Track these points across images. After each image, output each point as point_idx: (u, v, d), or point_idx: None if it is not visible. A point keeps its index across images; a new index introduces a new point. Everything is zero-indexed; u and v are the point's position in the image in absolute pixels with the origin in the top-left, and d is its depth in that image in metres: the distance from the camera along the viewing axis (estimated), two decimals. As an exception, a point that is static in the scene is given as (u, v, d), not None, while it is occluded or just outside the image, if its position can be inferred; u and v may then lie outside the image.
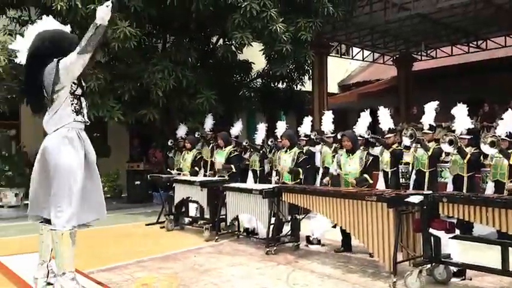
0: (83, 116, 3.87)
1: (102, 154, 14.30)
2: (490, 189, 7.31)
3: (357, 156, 6.31)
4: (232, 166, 8.54)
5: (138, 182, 12.67)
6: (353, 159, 6.32)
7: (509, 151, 6.95)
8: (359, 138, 8.82)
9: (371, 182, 6.27)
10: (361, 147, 6.87)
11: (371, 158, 6.35)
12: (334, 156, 9.55)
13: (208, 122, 11.24)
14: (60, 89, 3.69)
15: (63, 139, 3.70)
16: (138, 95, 10.84)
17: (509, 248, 4.54)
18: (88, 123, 4.01)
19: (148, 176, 9.88)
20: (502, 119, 7.43)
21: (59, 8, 9.07)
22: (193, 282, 5.14)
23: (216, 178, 8.37)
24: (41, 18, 4.10)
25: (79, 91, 3.87)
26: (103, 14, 3.71)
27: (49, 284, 3.90)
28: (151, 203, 12.10)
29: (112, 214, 10.05)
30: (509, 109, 7.54)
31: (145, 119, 11.01)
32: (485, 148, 6.85)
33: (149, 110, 10.83)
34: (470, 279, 5.06)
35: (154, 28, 12.35)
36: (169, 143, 11.47)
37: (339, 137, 9.46)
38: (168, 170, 9.96)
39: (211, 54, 12.77)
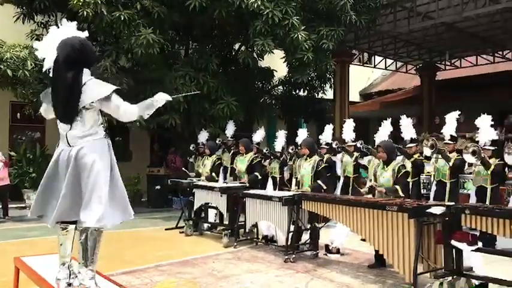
0: (108, 135, 3.93)
1: (123, 158, 14.61)
2: (514, 201, 7.18)
3: (391, 168, 6.13)
4: (257, 174, 8.55)
5: (158, 187, 12.78)
6: (387, 170, 6.14)
7: (534, 163, 6.82)
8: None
9: (401, 194, 5.98)
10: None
11: (403, 170, 6.14)
12: (356, 165, 9.58)
13: (230, 128, 11.27)
14: (94, 108, 3.75)
15: (100, 146, 3.75)
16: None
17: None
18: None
19: (169, 180, 9.96)
20: (527, 130, 7.29)
21: (85, 14, 9.26)
22: (211, 288, 5.16)
23: (236, 184, 8.38)
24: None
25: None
26: (162, 99, 3.90)
27: (70, 285, 3.94)
28: (171, 208, 12.19)
29: (132, 218, 10.16)
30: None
31: (166, 124, 11.12)
32: (509, 159, 6.73)
33: (171, 115, 10.93)
34: (493, 293, 4.96)
35: (177, 34, 12.49)
36: (191, 148, 11.57)
37: (358, 145, 9.44)
38: (186, 172, 10.03)
39: (233, 60, 12.84)
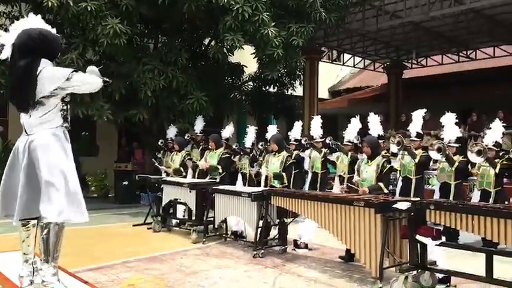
0: (68, 123, 3.85)
1: (90, 153, 14.35)
2: (476, 197, 7.39)
3: (375, 163, 6.12)
4: (219, 167, 8.50)
5: (125, 182, 12.60)
6: (372, 165, 6.13)
7: (496, 160, 7.04)
8: (347, 143, 8.91)
9: (386, 191, 6.02)
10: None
11: (388, 166, 6.12)
12: (324, 161, 9.68)
13: (199, 124, 11.20)
14: (57, 95, 3.67)
15: (53, 136, 3.67)
16: (127, 95, 10.80)
17: (494, 256, 4.59)
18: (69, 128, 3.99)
19: (137, 176, 9.83)
20: (490, 128, 7.51)
21: (50, 5, 9.01)
22: (179, 284, 5.12)
23: (205, 180, 8.34)
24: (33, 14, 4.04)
25: (68, 98, 3.86)
26: (93, 78, 3.85)
27: (32, 282, 3.85)
28: (139, 204, 12.04)
29: (99, 214, 10.01)
30: (497, 119, 7.64)
31: (134, 119, 10.96)
32: (472, 157, 6.91)
33: (139, 109, 10.78)
34: (455, 287, 5.10)
35: (146, 27, 12.32)
36: (159, 143, 11.45)
37: (327, 141, 9.54)
38: (157, 165, 9.93)
39: (203, 55, 12.76)
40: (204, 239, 7.36)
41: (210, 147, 8.89)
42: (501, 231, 4.22)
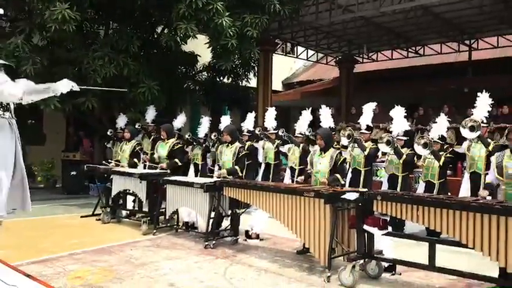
0: (11, 113, 3.67)
1: (36, 142, 13.81)
2: (421, 188, 7.68)
3: (328, 155, 6.20)
4: (177, 160, 8.41)
5: (74, 172, 12.23)
6: (325, 157, 6.19)
7: (441, 153, 7.32)
8: (299, 135, 9.02)
9: (343, 182, 6.14)
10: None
11: (342, 158, 6.21)
12: (277, 152, 9.78)
13: (150, 113, 11.01)
14: None
15: (3, 124, 3.50)
16: (76, 82, 10.42)
17: (437, 244, 4.78)
18: (15, 120, 3.81)
19: (85, 166, 9.56)
20: (435, 122, 7.81)
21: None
22: (128, 276, 5.03)
23: (156, 171, 8.22)
24: None
25: None
26: (62, 88, 3.65)
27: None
28: (88, 195, 11.75)
29: (45, 205, 9.69)
30: (442, 113, 7.94)
31: (83, 107, 10.63)
32: (419, 149, 7.18)
33: (87, 97, 10.45)
34: (400, 274, 5.28)
35: (96, 13, 11.93)
36: (108, 133, 11.17)
37: (280, 133, 9.64)
38: (105, 161, 9.67)
39: (156, 43, 12.51)
40: (155, 230, 7.28)
41: (161, 137, 8.76)
42: (443, 221, 4.40)
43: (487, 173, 5.64)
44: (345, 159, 6.42)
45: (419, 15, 12.29)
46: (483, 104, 7.57)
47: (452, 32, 14.06)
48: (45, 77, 9.83)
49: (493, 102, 7.72)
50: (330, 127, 8.75)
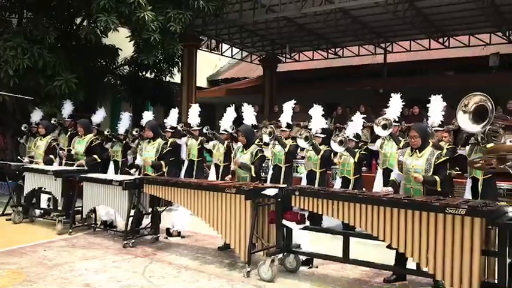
0: None
1: None
2: (338, 184, 8.01)
3: (249, 151, 6.33)
4: (96, 157, 8.10)
5: (-18, 170, 11.41)
6: (246, 153, 6.33)
7: (355, 150, 7.66)
8: (223, 132, 9.06)
9: (254, 174, 6.22)
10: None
11: (260, 154, 6.35)
12: (200, 149, 9.75)
13: (67, 108, 10.55)
14: None
15: None
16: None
17: (351, 238, 5.01)
18: None
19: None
20: (352, 121, 8.17)
21: None
22: (40, 278, 4.81)
23: (72, 168, 7.88)
24: None
25: None
26: None
27: None
28: (-3, 193, 11.03)
29: None
30: (358, 113, 8.31)
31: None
32: (335, 146, 7.48)
33: (-1, 90, 9.81)
34: (317, 267, 5.49)
35: (8, 1, 11.21)
36: (23, 128, 10.55)
37: (204, 130, 9.62)
38: (19, 157, 9.13)
39: (74, 35, 11.98)
40: (71, 230, 7.01)
41: (79, 133, 8.41)
42: (357, 215, 4.63)
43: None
44: (264, 155, 6.56)
45: (339, 17, 12.73)
46: (395, 104, 8.04)
47: (369, 35, 14.72)
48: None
49: (404, 103, 8.22)
50: (252, 125, 8.88)
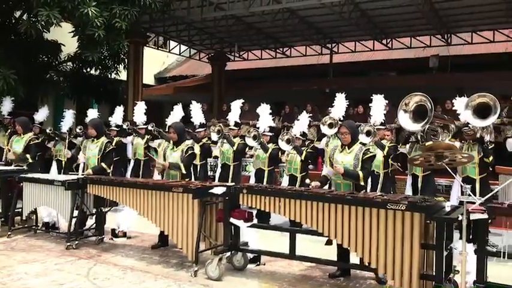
0: None
1: None
2: (285, 182, 8.11)
3: (180, 149, 6.23)
4: (28, 156, 7.71)
5: None
6: (177, 151, 6.22)
7: (302, 148, 7.80)
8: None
9: (184, 171, 6.18)
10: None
11: (190, 151, 6.30)
12: (147, 148, 9.59)
13: (6, 105, 10.09)
14: None
15: None
16: None
17: (298, 234, 5.09)
18: None
19: None
20: (299, 120, 8.30)
21: None
22: (-25, 284, 4.58)
23: (11, 167, 7.54)
24: None
25: None
26: None
27: None
28: None
29: None
30: (304, 112, 8.46)
31: None
32: (282, 145, 7.59)
33: None
34: (264, 265, 5.54)
35: None
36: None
37: (149, 128, 9.46)
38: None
39: (13, 30, 11.45)
40: (9, 232, 6.71)
41: (17, 131, 8.04)
42: (303, 212, 4.71)
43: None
44: (193, 152, 6.52)
45: (286, 17, 12.88)
46: (340, 103, 8.22)
47: (316, 35, 14.99)
48: None
49: (349, 102, 8.43)
50: (200, 123, 8.85)
